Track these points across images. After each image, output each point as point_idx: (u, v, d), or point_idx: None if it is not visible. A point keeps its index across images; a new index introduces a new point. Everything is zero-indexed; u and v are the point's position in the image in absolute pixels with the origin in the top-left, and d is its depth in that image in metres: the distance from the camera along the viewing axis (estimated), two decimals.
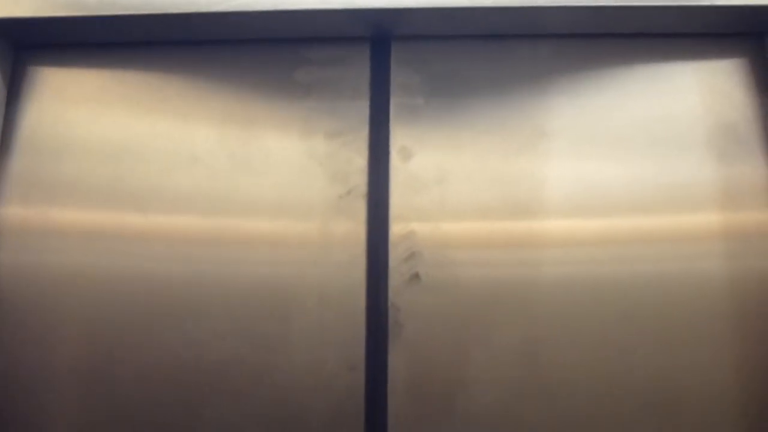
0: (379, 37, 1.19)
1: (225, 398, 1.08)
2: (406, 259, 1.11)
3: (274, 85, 1.19)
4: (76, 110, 1.21)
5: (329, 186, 1.15)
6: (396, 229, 1.12)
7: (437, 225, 1.12)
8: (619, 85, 1.17)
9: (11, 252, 1.16)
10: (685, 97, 1.16)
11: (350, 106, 1.17)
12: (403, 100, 1.17)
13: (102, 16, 1.14)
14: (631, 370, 1.05)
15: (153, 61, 1.21)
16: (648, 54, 1.18)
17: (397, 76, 1.18)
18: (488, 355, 1.07)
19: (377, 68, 1.19)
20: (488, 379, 1.06)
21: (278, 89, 1.19)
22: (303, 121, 1.17)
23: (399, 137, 1.16)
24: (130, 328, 1.12)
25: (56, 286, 1.14)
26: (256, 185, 1.16)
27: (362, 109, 1.17)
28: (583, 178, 1.13)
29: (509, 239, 1.11)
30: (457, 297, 1.09)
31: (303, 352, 1.09)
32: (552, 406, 1.05)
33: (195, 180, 1.16)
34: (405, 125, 1.16)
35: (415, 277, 1.10)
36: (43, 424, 1.10)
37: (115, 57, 1.22)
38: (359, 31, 1.18)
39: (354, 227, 1.13)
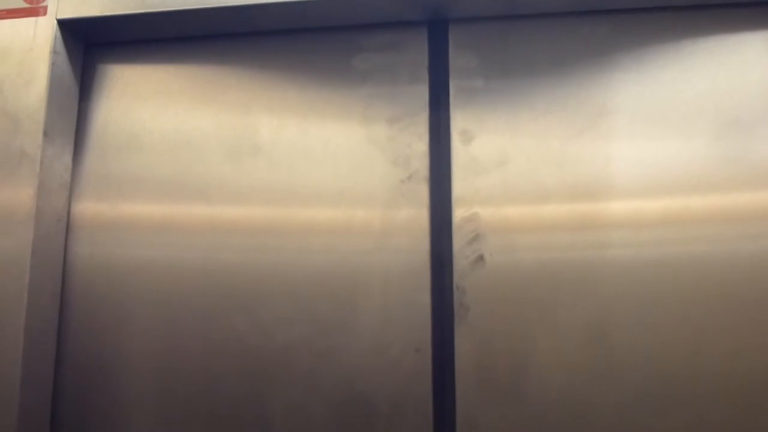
0: (436, 20, 1.19)
1: (292, 382, 1.11)
2: (470, 241, 1.11)
3: (332, 73, 1.20)
4: (142, 105, 1.25)
5: (391, 171, 1.15)
6: (459, 212, 1.12)
7: (500, 207, 1.12)
8: (683, 59, 1.13)
9: (85, 246, 1.21)
10: (754, 70, 1.11)
11: (409, 91, 1.17)
12: (463, 83, 1.16)
13: (165, 11, 1.17)
14: (699, 353, 1.03)
15: (214, 53, 1.24)
16: (713, 25, 1.14)
17: (456, 58, 1.17)
18: (554, 338, 1.06)
19: (435, 52, 1.19)
20: (555, 361, 1.06)
21: (337, 77, 1.20)
22: (363, 108, 1.18)
23: (459, 120, 1.15)
24: (200, 316, 1.15)
25: (128, 277, 1.19)
26: (317, 173, 1.17)
27: (421, 93, 1.17)
28: (648, 157, 1.10)
29: (573, 221, 1.10)
30: (522, 279, 1.09)
31: (368, 335, 1.10)
32: (619, 389, 1.04)
33: (258, 170, 1.19)
34: (465, 108, 1.16)
35: (480, 259, 1.10)
36: (116, 411, 1.15)
37: (178, 51, 1.25)
38: (416, 15, 1.18)
39: (417, 211, 1.13)
